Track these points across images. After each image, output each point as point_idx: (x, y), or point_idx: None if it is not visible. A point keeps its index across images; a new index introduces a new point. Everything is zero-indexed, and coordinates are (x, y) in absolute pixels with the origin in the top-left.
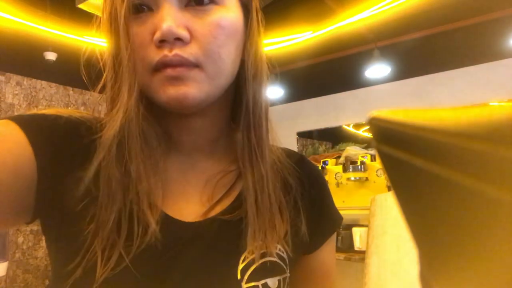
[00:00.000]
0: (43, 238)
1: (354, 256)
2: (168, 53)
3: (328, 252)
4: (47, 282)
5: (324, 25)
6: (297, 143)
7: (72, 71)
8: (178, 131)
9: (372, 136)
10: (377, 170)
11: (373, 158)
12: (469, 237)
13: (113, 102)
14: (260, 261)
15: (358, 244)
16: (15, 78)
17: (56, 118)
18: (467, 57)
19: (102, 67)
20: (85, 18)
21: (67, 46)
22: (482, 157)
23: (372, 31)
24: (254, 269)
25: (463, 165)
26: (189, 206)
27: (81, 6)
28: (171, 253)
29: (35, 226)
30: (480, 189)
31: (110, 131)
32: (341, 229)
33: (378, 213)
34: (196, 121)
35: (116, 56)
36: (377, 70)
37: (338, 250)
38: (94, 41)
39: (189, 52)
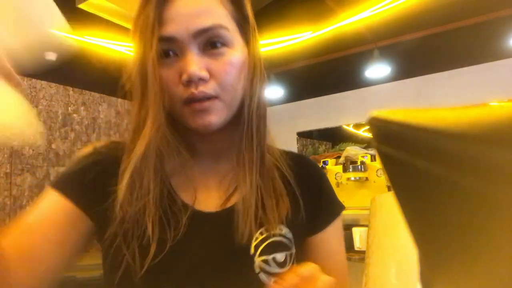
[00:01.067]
0: None
1: (354, 256)
2: (194, 90)
3: (332, 235)
4: None
5: (324, 25)
6: (297, 143)
7: (72, 71)
8: (200, 143)
9: (372, 136)
10: (377, 170)
11: (373, 158)
12: (469, 237)
13: (138, 128)
14: (270, 240)
15: (358, 244)
16: None
17: (83, 168)
18: (467, 57)
19: (130, 90)
20: (85, 18)
21: (67, 46)
22: (482, 157)
23: (372, 31)
24: (265, 245)
25: (463, 165)
26: (210, 200)
27: (81, 6)
28: (197, 240)
29: None
30: (480, 189)
31: (135, 156)
32: None
33: (378, 213)
34: (214, 135)
35: (144, 93)
36: (377, 70)
37: None
38: (95, 42)
39: (210, 87)
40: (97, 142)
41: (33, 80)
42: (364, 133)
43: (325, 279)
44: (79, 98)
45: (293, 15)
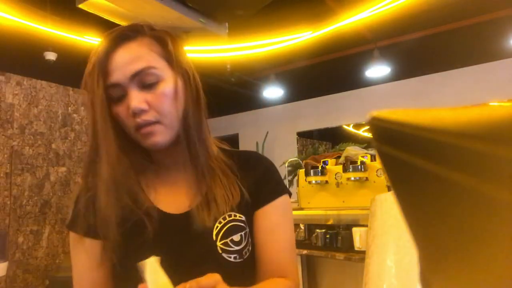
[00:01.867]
0: (43, 238)
1: (354, 256)
2: (138, 119)
3: (273, 211)
4: (47, 282)
5: (324, 25)
6: (297, 143)
7: (72, 71)
8: (164, 158)
9: (372, 136)
10: (377, 170)
11: (373, 158)
12: (468, 237)
13: (95, 157)
14: (226, 226)
15: (358, 244)
16: (15, 78)
17: (82, 203)
18: (467, 57)
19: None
20: (85, 18)
21: (67, 46)
22: (482, 157)
23: (372, 31)
24: (223, 232)
25: (463, 165)
26: (176, 203)
27: (81, 6)
28: (166, 237)
29: (35, 226)
30: (480, 189)
31: (102, 182)
32: (341, 229)
33: (378, 213)
34: (170, 150)
35: (96, 131)
36: (377, 70)
37: (338, 250)
38: (95, 42)
39: (150, 115)
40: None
41: (33, 80)
42: (364, 133)
43: None
44: (79, 98)
45: (293, 15)
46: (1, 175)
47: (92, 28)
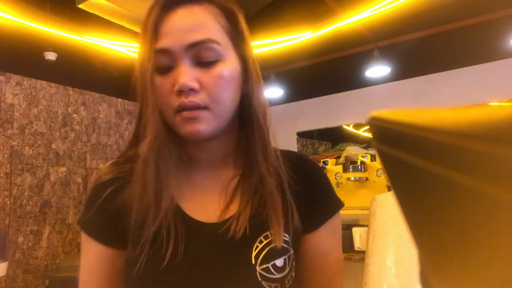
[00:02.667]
0: (43, 238)
1: (354, 256)
2: (185, 99)
3: (327, 234)
4: (47, 282)
5: (324, 25)
6: (297, 143)
7: (72, 71)
8: (197, 152)
9: (372, 136)
10: (377, 170)
11: (373, 158)
12: (469, 237)
13: (137, 137)
14: (269, 247)
15: (358, 244)
16: (15, 78)
17: (103, 202)
18: (467, 57)
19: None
20: (85, 18)
21: (67, 46)
22: (482, 157)
23: (372, 31)
24: (265, 253)
25: (463, 165)
26: (210, 210)
27: (81, 6)
28: (197, 251)
29: (35, 226)
30: (480, 189)
31: (141, 162)
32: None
33: (378, 213)
34: (209, 144)
35: (143, 103)
36: (377, 70)
37: None
38: (95, 42)
39: (199, 98)
40: (103, 170)
41: (33, 80)
42: (364, 133)
43: None
44: (79, 98)
45: (293, 15)
46: (1, 175)
47: (92, 28)
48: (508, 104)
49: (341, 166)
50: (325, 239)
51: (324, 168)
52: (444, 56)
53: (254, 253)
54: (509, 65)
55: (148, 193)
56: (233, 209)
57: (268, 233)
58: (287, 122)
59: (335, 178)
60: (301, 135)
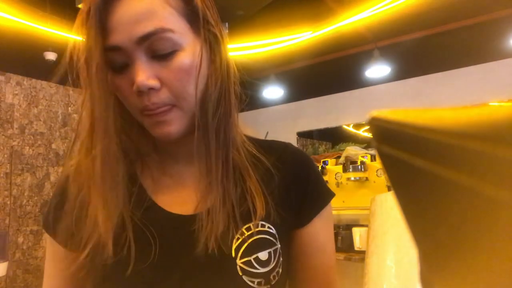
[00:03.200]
0: (43, 238)
1: (354, 256)
2: (147, 102)
3: (320, 227)
4: None
5: (324, 25)
6: (297, 143)
7: (72, 71)
8: (172, 146)
9: (372, 136)
10: (377, 170)
11: (373, 158)
12: (469, 237)
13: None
14: (251, 239)
15: (358, 244)
16: (15, 78)
17: (60, 200)
18: (467, 57)
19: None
20: None
21: (67, 46)
22: (482, 157)
23: (372, 31)
24: (246, 246)
25: (463, 165)
26: (186, 202)
27: (81, 6)
28: (174, 242)
29: (35, 226)
30: (480, 189)
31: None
32: (341, 229)
33: (378, 213)
34: (185, 139)
35: (92, 105)
36: (377, 70)
37: (338, 250)
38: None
39: (162, 97)
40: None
41: (33, 80)
42: (364, 133)
43: None
44: (79, 98)
45: (293, 15)
46: (1, 175)
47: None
48: (508, 104)
49: (341, 166)
50: (320, 231)
51: (324, 168)
52: (444, 56)
53: (234, 246)
54: (509, 65)
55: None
56: (211, 201)
57: (250, 224)
58: (287, 122)
59: (335, 178)
60: (301, 135)
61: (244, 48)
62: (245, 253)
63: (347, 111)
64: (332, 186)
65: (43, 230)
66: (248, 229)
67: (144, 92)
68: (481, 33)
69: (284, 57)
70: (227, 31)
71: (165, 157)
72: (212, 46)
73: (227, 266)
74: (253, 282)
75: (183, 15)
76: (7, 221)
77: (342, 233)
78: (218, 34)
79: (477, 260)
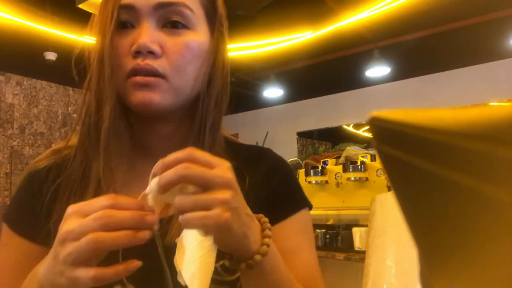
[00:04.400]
0: None
1: (354, 256)
2: (140, 62)
3: (293, 229)
4: None
5: (324, 25)
6: (297, 143)
7: (72, 71)
8: (149, 137)
9: (372, 136)
10: (377, 170)
11: (373, 158)
12: (469, 237)
13: (98, 107)
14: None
15: (358, 244)
16: (15, 78)
17: (24, 194)
18: (467, 57)
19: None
20: (85, 18)
21: (67, 46)
22: (482, 157)
23: (372, 31)
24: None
25: (463, 165)
26: None
27: (81, 6)
28: (134, 254)
29: None
30: (480, 189)
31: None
32: (341, 229)
33: (378, 213)
34: (162, 127)
35: (100, 68)
36: (377, 70)
37: (338, 250)
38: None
39: (158, 64)
40: (40, 156)
41: (33, 80)
42: (364, 133)
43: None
44: (79, 98)
45: (293, 15)
46: (1, 175)
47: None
48: (508, 104)
49: (341, 166)
50: (291, 235)
51: (324, 168)
52: (444, 56)
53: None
54: (509, 65)
55: (90, 184)
56: None
57: None
58: (287, 122)
59: (335, 178)
60: (301, 135)
61: (244, 48)
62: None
63: (347, 111)
64: (332, 186)
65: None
66: None
67: (142, 53)
68: (481, 33)
69: (284, 57)
70: (227, 31)
71: (141, 152)
72: (219, 45)
73: None
74: None
75: (203, 7)
76: None
77: (342, 233)
78: (226, 38)
79: (477, 260)
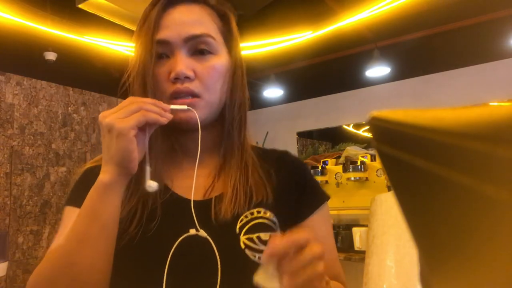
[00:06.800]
0: (43, 238)
1: (354, 256)
2: (180, 86)
3: (318, 222)
4: None
5: (324, 25)
6: (297, 143)
7: (72, 71)
8: (187, 141)
9: (372, 136)
10: (377, 170)
11: (373, 158)
12: (468, 237)
13: None
14: (255, 221)
15: (358, 244)
16: (15, 78)
17: (85, 178)
18: (467, 57)
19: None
20: (85, 18)
21: (67, 46)
22: (482, 157)
23: (372, 31)
24: (250, 226)
25: (463, 165)
26: (197, 190)
27: (81, 6)
28: (180, 224)
29: (35, 226)
30: (480, 189)
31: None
32: (341, 229)
33: (378, 213)
34: (197, 134)
35: (144, 90)
36: (377, 70)
37: (338, 250)
38: (95, 42)
39: (194, 86)
40: (89, 162)
41: (33, 80)
42: (364, 133)
43: (314, 247)
44: (79, 98)
45: (293, 15)
46: (1, 175)
47: (92, 28)
48: (508, 104)
49: (341, 166)
50: (319, 226)
51: (324, 168)
52: (444, 56)
53: (239, 225)
54: (509, 65)
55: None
56: (218, 189)
57: (254, 210)
58: (287, 122)
59: (335, 178)
60: (301, 135)
61: (244, 48)
62: (249, 231)
63: (347, 111)
64: (332, 186)
65: (43, 230)
66: (252, 213)
67: (180, 79)
68: (481, 33)
69: (284, 57)
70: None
71: (177, 154)
72: (237, 64)
73: (231, 240)
74: (254, 256)
75: (221, 32)
76: (7, 221)
77: (342, 233)
78: (240, 56)
79: (477, 260)
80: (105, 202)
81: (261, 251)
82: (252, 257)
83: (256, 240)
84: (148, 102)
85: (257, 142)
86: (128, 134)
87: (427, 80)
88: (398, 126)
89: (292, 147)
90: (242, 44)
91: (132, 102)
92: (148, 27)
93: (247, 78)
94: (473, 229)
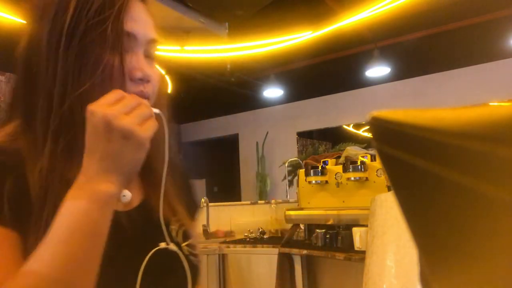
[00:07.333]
0: None
1: (354, 256)
2: (143, 89)
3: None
4: None
5: (324, 25)
6: (297, 143)
7: None
8: None
9: (372, 136)
10: (377, 170)
11: (373, 158)
12: (468, 237)
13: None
14: (182, 229)
15: (358, 244)
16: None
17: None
18: (467, 57)
19: None
20: None
21: None
22: (482, 157)
23: (372, 31)
24: (182, 234)
25: (463, 165)
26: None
27: None
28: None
29: None
30: (480, 189)
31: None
32: (341, 229)
33: (378, 213)
34: None
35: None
36: (377, 70)
37: (338, 250)
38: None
39: (148, 89)
40: None
41: None
42: (364, 133)
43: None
44: None
45: (293, 15)
46: None
47: None
48: (508, 104)
49: (341, 166)
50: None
51: (324, 168)
52: (444, 56)
53: (174, 233)
54: (509, 65)
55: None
56: (147, 194)
57: (176, 218)
58: (287, 122)
59: (335, 178)
60: (301, 135)
61: (244, 48)
62: (184, 239)
63: (347, 111)
64: (332, 186)
65: None
66: (176, 221)
67: (144, 80)
68: (481, 33)
69: (284, 57)
70: (227, 31)
71: None
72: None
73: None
74: (196, 261)
75: None
76: None
77: (342, 233)
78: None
79: (477, 260)
80: (107, 216)
81: (197, 256)
82: (196, 263)
83: (192, 246)
84: (146, 104)
85: (257, 142)
86: (147, 145)
87: (427, 80)
88: (398, 126)
89: (292, 147)
90: (242, 44)
91: (140, 103)
92: (111, 7)
93: (247, 78)
94: (473, 229)
